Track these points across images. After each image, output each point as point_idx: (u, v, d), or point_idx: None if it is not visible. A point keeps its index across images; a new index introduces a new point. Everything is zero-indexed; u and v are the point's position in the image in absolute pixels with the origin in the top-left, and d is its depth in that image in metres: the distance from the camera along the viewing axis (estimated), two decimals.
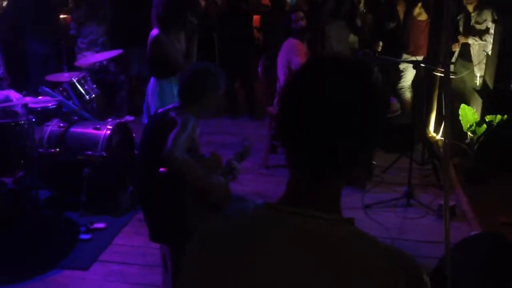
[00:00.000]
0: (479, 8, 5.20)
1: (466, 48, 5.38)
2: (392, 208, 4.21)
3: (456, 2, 5.37)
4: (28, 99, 4.07)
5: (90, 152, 4.03)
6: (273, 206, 0.94)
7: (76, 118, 4.42)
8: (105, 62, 5.93)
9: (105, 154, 4.03)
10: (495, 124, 4.58)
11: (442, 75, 4.68)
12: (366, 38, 6.21)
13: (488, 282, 2.67)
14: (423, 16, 5.84)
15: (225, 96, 2.66)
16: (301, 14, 4.78)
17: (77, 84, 4.69)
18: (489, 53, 5.06)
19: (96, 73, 5.83)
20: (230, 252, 0.92)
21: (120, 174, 4.28)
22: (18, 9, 6.09)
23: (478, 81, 5.28)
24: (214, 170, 2.55)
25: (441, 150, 5.20)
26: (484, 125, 4.64)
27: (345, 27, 5.86)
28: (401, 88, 6.08)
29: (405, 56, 5.90)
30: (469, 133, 4.78)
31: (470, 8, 5.27)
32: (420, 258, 3.18)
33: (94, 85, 4.96)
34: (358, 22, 6.18)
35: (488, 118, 4.65)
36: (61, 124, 4.21)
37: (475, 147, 4.71)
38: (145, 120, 3.77)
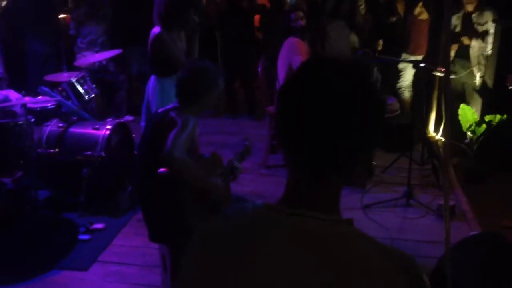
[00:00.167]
0: (479, 9, 5.19)
1: (464, 48, 5.37)
2: (391, 208, 4.20)
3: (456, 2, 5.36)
4: (27, 99, 4.06)
5: (89, 152, 4.03)
6: (272, 206, 0.94)
7: (75, 118, 4.41)
8: (104, 62, 5.92)
9: (104, 154, 4.03)
10: (495, 124, 4.58)
11: (442, 74, 4.68)
12: (366, 37, 6.20)
13: (487, 282, 2.66)
14: (424, 15, 5.82)
15: (225, 96, 2.66)
16: (300, 13, 4.78)
17: (76, 84, 4.68)
18: (489, 53, 5.05)
19: (96, 73, 5.82)
20: (230, 252, 0.92)
21: (120, 174, 4.27)
22: (17, 9, 6.08)
23: (477, 81, 5.27)
24: (214, 170, 2.54)
25: (441, 150, 5.19)
26: (484, 125, 4.64)
27: (345, 26, 5.85)
28: (400, 88, 6.07)
29: (404, 56, 5.90)
30: (468, 133, 4.78)
31: (470, 7, 5.25)
32: (419, 258, 3.18)
33: (94, 85, 4.95)
34: (359, 22, 6.17)
35: (487, 118, 4.65)
36: (60, 124, 4.21)
37: (475, 147, 4.71)
38: (143, 121, 3.77)
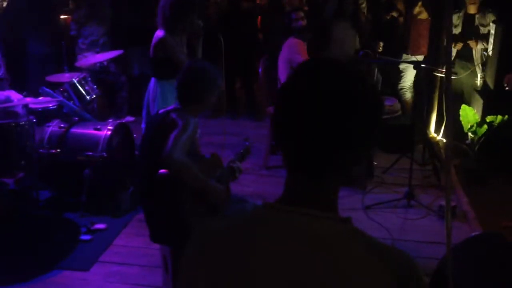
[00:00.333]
0: (482, 10, 5.18)
1: (465, 48, 5.37)
2: (392, 208, 4.20)
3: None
4: (28, 99, 4.07)
5: (90, 153, 4.04)
6: (271, 206, 0.95)
7: (76, 118, 4.41)
8: (105, 63, 5.93)
9: (105, 155, 4.03)
10: (496, 124, 4.58)
11: (443, 75, 4.68)
12: (366, 38, 6.19)
13: (488, 283, 2.66)
14: (424, 15, 5.82)
15: (226, 97, 2.67)
16: (301, 13, 4.78)
17: (77, 84, 4.68)
18: (490, 53, 5.05)
19: (97, 74, 5.83)
20: (230, 252, 0.92)
21: (121, 174, 4.28)
22: (18, 10, 6.09)
23: (479, 82, 5.27)
24: (214, 171, 2.55)
25: (442, 150, 5.19)
26: (485, 126, 4.64)
27: (350, 27, 5.80)
28: (402, 89, 6.07)
29: (405, 56, 5.89)
30: (469, 133, 4.78)
31: (472, 8, 5.25)
32: (420, 259, 3.19)
33: (95, 86, 4.96)
34: (361, 22, 6.14)
35: (488, 118, 4.65)
36: (62, 125, 4.21)
37: (476, 148, 4.71)
38: (144, 123, 3.78)
